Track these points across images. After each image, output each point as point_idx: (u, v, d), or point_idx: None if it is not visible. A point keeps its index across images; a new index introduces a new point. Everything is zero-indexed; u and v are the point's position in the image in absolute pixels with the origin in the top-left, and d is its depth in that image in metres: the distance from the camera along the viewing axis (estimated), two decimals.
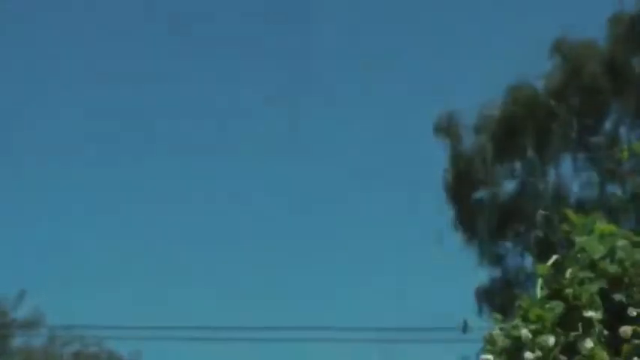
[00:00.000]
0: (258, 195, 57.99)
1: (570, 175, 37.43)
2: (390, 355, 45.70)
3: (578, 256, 7.43)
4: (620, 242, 7.33)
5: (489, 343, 8.10)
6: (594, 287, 7.12)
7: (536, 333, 7.30)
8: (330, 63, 55.40)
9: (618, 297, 6.99)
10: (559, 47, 36.68)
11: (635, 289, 6.85)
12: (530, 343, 7.30)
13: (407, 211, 51.47)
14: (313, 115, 55.83)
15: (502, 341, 7.79)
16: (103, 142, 57.88)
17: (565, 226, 7.92)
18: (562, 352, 7.06)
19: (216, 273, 54.28)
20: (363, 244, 52.69)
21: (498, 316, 8.31)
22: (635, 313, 6.62)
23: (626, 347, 6.43)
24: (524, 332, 7.36)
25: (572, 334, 7.02)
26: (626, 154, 10.64)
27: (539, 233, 34.07)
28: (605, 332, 6.77)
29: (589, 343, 6.68)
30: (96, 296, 51.85)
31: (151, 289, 52.28)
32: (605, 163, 35.93)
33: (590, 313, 6.90)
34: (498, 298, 33.61)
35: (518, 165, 37.44)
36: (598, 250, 7.30)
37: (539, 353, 7.19)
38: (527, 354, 7.27)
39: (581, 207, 27.51)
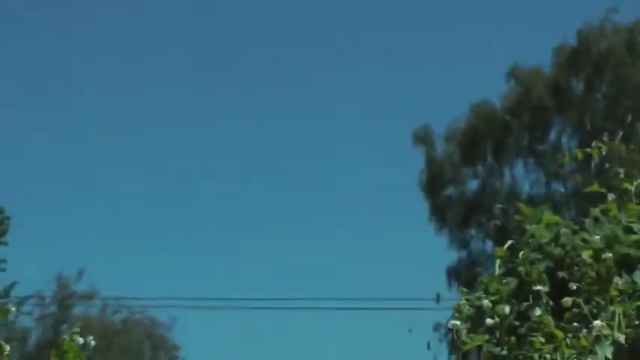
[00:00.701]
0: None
1: (522, 175, 37.42)
2: (383, 319, 45.92)
3: (529, 241, 7.50)
4: (563, 230, 7.39)
5: (457, 311, 8.17)
6: (542, 266, 7.20)
7: (495, 303, 7.37)
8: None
9: (561, 274, 7.06)
10: (513, 73, 36.71)
11: (575, 267, 6.90)
12: (490, 311, 7.38)
13: (392, 206, 51.26)
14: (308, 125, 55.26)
15: (467, 310, 7.87)
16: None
17: (518, 217, 7.98)
18: (516, 319, 7.13)
19: (243, 248, 53.72)
20: (357, 234, 52.55)
21: (464, 290, 8.38)
22: (574, 287, 6.67)
23: (567, 314, 6.48)
24: (486, 302, 7.43)
25: (524, 304, 7.08)
26: (567, 158, 10.68)
27: (498, 223, 34.02)
28: (551, 303, 6.84)
29: (538, 312, 6.74)
30: (140, 271, 51.81)
31: (185, 263, 52.05)
32: (550, 166, 35.90)
33: (538, 287, 6.97)
34: (464, 276, 33.55)
35: (480, 168, 37.40)
36: (545, 236, 7.37)
37: (497, 320, 7.26)
38: (488, 320, 7.34)
39: (531, 201, 27.49)
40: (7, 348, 4.17)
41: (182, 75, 56.51)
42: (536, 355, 6.39)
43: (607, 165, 8.71)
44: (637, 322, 5.30)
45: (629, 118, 33.32)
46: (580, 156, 8.78)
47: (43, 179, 55.28)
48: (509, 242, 8.01)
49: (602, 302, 6.17)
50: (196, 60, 56.42)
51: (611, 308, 5.87)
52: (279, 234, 52.71)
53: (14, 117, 54.51)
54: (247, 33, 59.29)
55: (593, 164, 8.90)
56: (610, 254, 6.59)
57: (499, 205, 34.87)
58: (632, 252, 6.53)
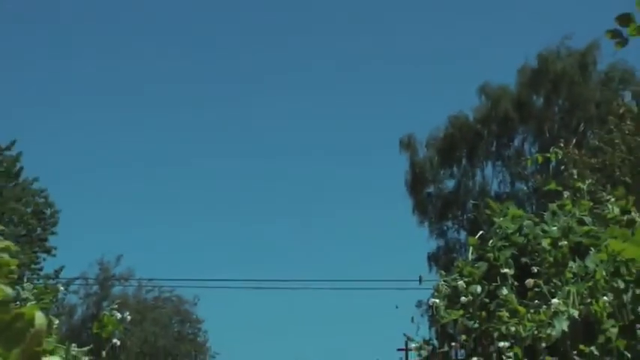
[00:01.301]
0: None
1: (491, 176, 37.42)
2: (374, 297, 46.07)
3: (497, 231, 7.49)
4: (526, 222, 7.37)
5: (436, 291, 8.16)
6: (508, 253, 7.19)
7: (468, 284, 7.37)
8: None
9: (524, 259, 7.05)
10: (483, 89, 36.70)
11: (535, 254, 6.89)
12: (464, 291, 7.36)
13: (381, 202, 51.25)
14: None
15: (445, 290, 7.85)
16: None
17: (488, 211, 7.98)
18: (486, 297, 7.12)
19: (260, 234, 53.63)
20: (353, 226, 52.59)
21: (443, 273, 8.35)
22: (535, 270, 6.66)
23: (529, 293, 6.48)
24: (461, 283, 7.42)
25: (493, 284, 7.07)
26: (529, 162, 10.73)
27: (470, 216, 33.99)
28: (515, 283, 6.82)
29: (504, 291, 6.73)
30: (169, 256, 51.83)
31: (207, 248, 52.06)
32: (514, 168, 35.88)
33: (505, 270, 6.96)
34: (442, 261, 33.51)
35: (455, 170, 37.38)
36: (510, 227, 7.36)
37: (470, 298, 7.25)
38: (462, 298, 7.33)
39: (498, 198, 27.47)
40: (56, 322, 4.13)
41: None
42: (502, 328, 6.38)
43: (562, 167, 8.67)
44: (588, 300, 5.27)
45: (582, 127, 33.36)
46: (540, 160, 8.78)
47: (90, 175, 55.00)
48: (480, 232, 8.00)
49: (559, 283, 6.16)
50: None
51: (567, 288, 5.86)
52: (290, 222, 52.83)
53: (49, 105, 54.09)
54: None
55: (551, 167, 8.87)
56: (565, 242, 6.59)
57: (472, 201, 34.87)
58: (584, 240, 6.53)
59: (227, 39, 56.36)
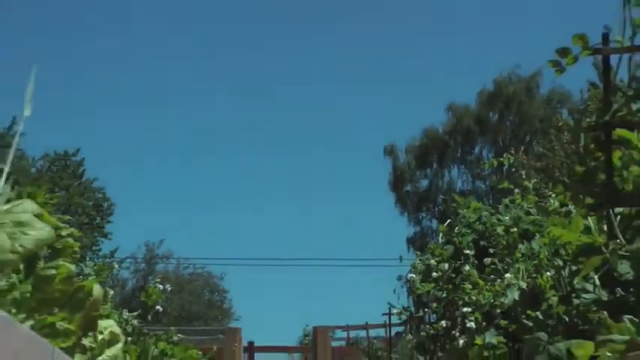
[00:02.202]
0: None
1: (456, 177, 37.45)
2: (365, 273, 46.10)
3: (461, 220, 7.48)
4: (484, 213, 7.35)
5: (413, 268, 8.14)
6: (470, 237, 7.17)
7: (438, 262, 7.35)
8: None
9: (483, 242, 7.03)
10: (450, 107, 36.72)
11: (492, 238, 6.87)
12: (435, 268, 7.34)
13: (369, 198, 51.14)
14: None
15: (420, 267, 7.83)
16: None
17: (454, 204, 7.96)
18: (452, 273, 7.10)
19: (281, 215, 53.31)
20: (348, 217, 52.43)
21: (418, 253, 8.32)
22: (492, 251, 6.64)
23: (487, 269, 6.46)
24: (432, 262, 7.41)
25: (458, 262, 7.06)
26: (487, 165, 10.70)
27: (440, 208, 33.99)
28: (476, 262, 6.80)
29: (467, 268, 6.71)
30: (201, 239, 51.66)
31: (229, 231, 51.89)
32: (475, 170, 35.88)
33: (467, 251, 6.94)
34: (418, 244, 33.38)
35: (428, 171, 37.37)
36: (472, 217, 7.35)
37: (440, 273, 7.23)
38: (434, 274, 7.31)
39: (462, 194, 27.50)
40: (111, 292, 4.13)
41: None
42: (466, 297, 6.36)
43: (513, 169, 8.64)
44: (534, 275, 5.24)
45: (528, 138, 33.42)
46: (495, 164, 8.76)
47: (139, 173, 54.54)
48: (448, 221, 8.00)
49: (511, 261, 6.14)
50: None
51: (517, 265, 5.84)
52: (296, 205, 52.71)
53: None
54: None
55: (504, 169, 8.84)
56: (515, 229, 6.57)
57: (441, 197, 34.87)
58: (530, 228, 6.51)
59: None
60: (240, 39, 51.49)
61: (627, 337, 3.43)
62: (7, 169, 1.41)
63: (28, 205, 2.57)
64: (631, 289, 3.96)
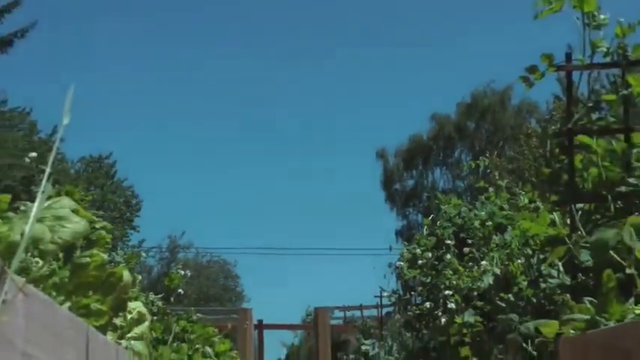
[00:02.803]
0: None
1: (439, 177, 37.45)
2: (359, 261, 46.28)
3: (443, 215, 7.46)
4: (463, 208, 7.35)
5: (402, 256, 8.12)
6: (450, 230, 7.16)
7: (423, 251, 7.33)
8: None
9: (462, 234, 7.02)
10: (433, 117, 36.75)
11: (470, 230, 6.87)
12: (421, 256, 7.32)
13: (363, 195, 51.19)
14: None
15: (407, 255, 7.81)
16: None
17: (437, 201, 7.95)
18: (435, 260, 7.09)
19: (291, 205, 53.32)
20: (344, 212, 52.49)
21: (406, 244, 8.30)
22: (470, 242, 6.64)
23: (466, 258, 6.45)
24: (418, 251, 7.39)
25: (440, 252, 7.05)
26: (465, 167, 10.72)
27: (425, 204, 33.99)
28: (456, 251, 6.79)
29: (448, 256, 6.70)
30: (216, 229, 51.68)
31: (240, 223, 51.85)
32: (455, 171, 35.89)
33: (448, 242, 6.92)
34: (406, 235, 33.19)
35: (414, 172, 37.37)
36: (452, 212, 7.34)
37: (425, 261, 7.22)
38: (419, 261, 7.29)
39: (444, 192, 27.51)
40: (139, 277, 4.12)
41: None
42: (447, 282, 6.35)
43: (488, 171, 8.63)
44: (506, 262, 5.24)
45: (501, 143, 33.42)
46: (472, 166, 8.77)
47: (163, 170, 54.39)
48: (432, 216, 7.99)
49: (486, 251, 6.13)
50: None
51: (491, 254, 5.83)
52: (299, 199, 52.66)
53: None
54: None
55: (480, 170, 8.83)
56: (490, 223, 6.56)
57: (426, 194, 34.91)
58: (503, 221, 6.50)
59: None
60: (241, 51, 51.01)
61: (587, 317, 3.42)
62: (48, 170, 1.40)
63: (66, 202, 2.56)
64: (590, 275, 3.96)
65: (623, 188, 4.10)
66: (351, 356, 14.80)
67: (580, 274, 4.04)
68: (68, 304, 2.41)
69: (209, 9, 50.46)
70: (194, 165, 53.93)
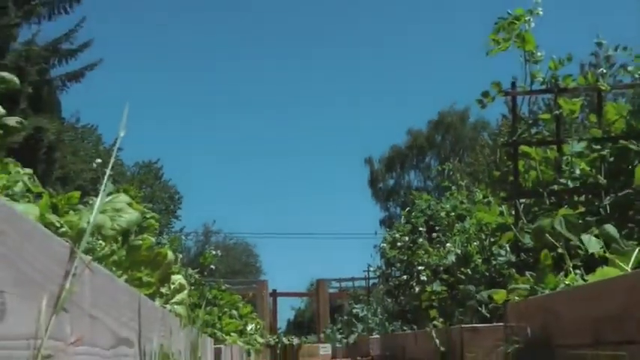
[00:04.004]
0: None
1: (413, 178, 37.42)
2: (353, 243, 46.29)
3: (417, 207, 7.43)
4: (432, 202, 7.31)
5: (384, 239, 8.08)
6: (422, 219, 7.13)
7: (401, 236, 7.30)
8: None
9: (431, 222, 6.99)
10: (409, 131, 36.84)
11: (437, 219, 6.85)
12: (399, 239, 7.30)
13: (354, 193, 51.13)
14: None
15: (389, 239, 7.78)
16: None
17: (412, 197, 7.94)
18: (411, 243, 7.06)
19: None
20: (339, 208, 52.37)
21: (388, 230, 8.25)
22: (437, 228, 6.61)
23: (434, 241, 6.42)
24: (397, 235, 7.36)
25: (414, 236, 7.02)
26: (434, 170, 10.73)
27: (403, 199, 33.99)
28: (426, 235, 6.77)
29: (420, 239, 6.65)
30: (240, 217, 51.59)
31: (259, 212, 51.69)
32: (426, 174, 35.89)
33: (420, 229, 6.88)
34: (388, 223, 33.39)
35: (394, 174, 37.38)
36: (424, 205, 7.30)
37: (402, 243, 7.18)
38: (398, 243, 7.25)
39: (418, 190, 27.48)
40: (179, 256, 4.13)
41: None
42: (419, 259, 6.32)
43: (451, 173, 8.63)
44: (465, 244, 5.23)
45: (461, 152, 33.42)
46: (440, 169, 8.76)
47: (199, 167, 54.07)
48: (408, 208, 7.96)
49: (450, 235, 6.12)
50: None
51: (454, 238, 5.82)
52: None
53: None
54: None
55: (445, 172, 8.83)
56: (453, 213, 6.55)
57: (403, 192, 34.87)
58: (463, 212, 6.48)
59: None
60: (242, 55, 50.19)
61: (528, 286, 3.42)
62: (109, 172, 1.41)
63: (123, 197, 2.56)
64: (530, 254, 3.95)
65: (555, 187, 4.10)
66: (345, 317, 14.77)
67: (522, 254, 4.03)
68: (125, 277, 2.41)
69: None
70: (222, 167, 53.95)
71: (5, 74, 2.38)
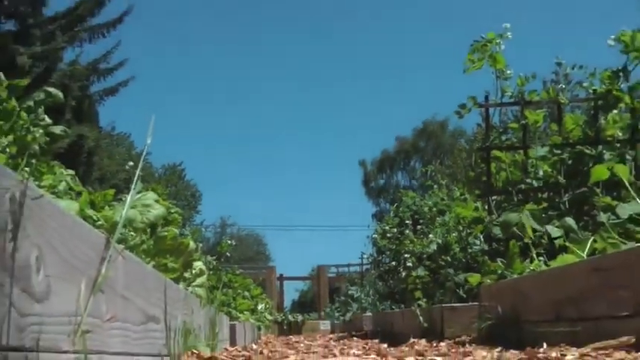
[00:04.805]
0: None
1: (401, 178, 37.36)
2: (350, 234, 46.19)
3: (404, 203, 7.41)
4: (417, 199, 7.28)
5: (376, 231, 8.04)
6: (408, 213, 7.09)
7: (390, 228, 7.27)
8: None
9: (416, 216, 6.97)
10: (397, 138, 36.81)
11: (421, 214, 6.82)
12: (389, 230, 7.26)
13: (349, 191, 50.97)
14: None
15: (380, 230, 7.75)
16: None
17: (399, 194, 7.92)
18: (398, 234, 7.02)
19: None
20: (336, 204, 52.23)
21: (379, 222, 8.21)
22: (421, 221, 6.59)
23: (419, 232, 6.39)
24: (387, 228, 7.31)
25: (401, 228, 6.99)
26: (418, 172, 10.72)
27: (392, 196, 33.92)
28: (412, 227, 6.75)
29: (407, 231, 6.62)
30: (252, 211, 51.41)
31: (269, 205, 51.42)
32: (411, 175, 35.82)
33: (407, 221, 6.87)
34: (378, 217, 33.32)
35: (384, 175, 37.30)
36: (409, 201, 7.27)
37: (391, 234, 7.12)
38: (388, 234, 7.21)
39: (405, 188, 27.47)
40: (200, 245, 4.13)
41: None
42: (406, 248, 6.27)
43: (433, 174, 8.61)
44: (445, 235, 5.22)
45: (442, 155, 33.36)
46: (423, 170, 8.73)
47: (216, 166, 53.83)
48: (396, 204, 7.93)
49: (432, 227, 6.11)
50: None
51: (436, 229, 5.81)
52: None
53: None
54: None
55: (428, 173, 8.81)
56: (435, 208, 6.53)
57: (392, 190, 34.80)
58: (443, 208, 6.47)
59: None
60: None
61: (499, 271, 3.42)
62: (138, 173, 1.41)
63: (151, 195, 2.56)
64: (501, 243, 3.95)
65: (522, 186, 4.10)
66: (342, 298, 14.75)
67: (494, 243, 4.03)
68: (152, 263, 2.41)
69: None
70: (237, 170, 53.84)
71: (52, 90, 2.40)
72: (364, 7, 46.84)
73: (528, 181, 4.10)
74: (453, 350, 2.21)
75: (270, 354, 2.20)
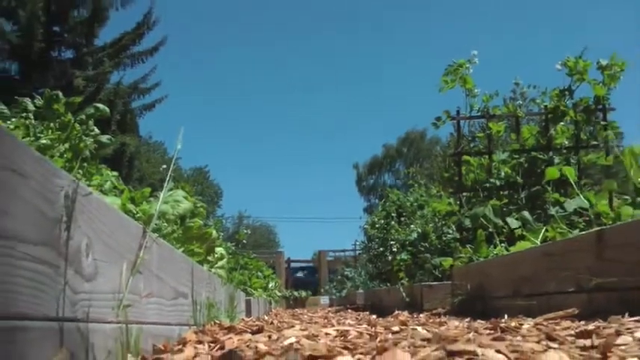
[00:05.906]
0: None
1: (389, 179, 37.27)
2: (345, 226, 46.01)
3: (390, 199, 7.38)
4: (401, 197, 7.24)
5: (367, 222, 8.01)
6: (393, 208, 7.06)
7: (379, 219, 7.21)
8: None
9: (400, 210, 6.95)
10: (384, 146, 36.65)
11: (404, 208, 6.80)
12: (377, 221, 7.20)
13: (345, 189, 50.73)
14: None
15: (370, 222, 7.72)
16: None
17: (386, 192, 7.90)
18: (385, 225, 6.98)
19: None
20: (334, 201, 51.87)
21: (369, 215, 8.16)
22: (404, 214, 6.56)
23: (402, 223, 6.35)
24: (375, 219, 7.27)
25: (388, 220, 6.95)
26: (402, 173, 10.68)
27: (381, 194, 33.83)
28: (397, 219, 6.71)
29: (392, 222, 6.61)
30: (264, 205, 50.85)
31: (279, 199, 51.05)
32: (397, 176, 35.71)
33: (392, 214, 6.82)
34: (369, 210, 33.28)
35: (374, 176, 37.17)
36: (394, 198, 7.25)
37: (379, 225, 7.06)
38: (376, 225, 7.14)
39: (391, 187, 27.48)
40: (221, 234, 4.13)
41: None
42: (391, 236, 6.24)
43: (415, 175, 8.58)
44: (424, 226, 5.21)
45: (421, 159, 33.31)
46: (407, 172, 8.70)
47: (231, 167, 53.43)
48: (383, 200, 7.90)
49: (413, 219, 6.10)
50: None
51: (416, 221, 5.80)
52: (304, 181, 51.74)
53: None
54: None
55: (410, 175, 8.79)
56: (416, 203, 6.52)
57: (380, 189, 34.71)
58: (423, 203, 6.46)
59: None
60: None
61: (468, 255, 3.42)
62: (169, 173, 1.41)
63: (180, 192, 2.56)
64: (470, 232, 3.95)
65: (487, 185, 4.10)
66: (339, 277, 14.75)
67: (464, 232, 4.03)
68: (182, 249, 2.42)
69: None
70: (252, 172, 53.69)
71: (100, 106, 2.42)
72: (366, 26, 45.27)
73: (492, 180, 4.11)
74: (431, 320, 2.22)
75: (279, 324, 2.21)
